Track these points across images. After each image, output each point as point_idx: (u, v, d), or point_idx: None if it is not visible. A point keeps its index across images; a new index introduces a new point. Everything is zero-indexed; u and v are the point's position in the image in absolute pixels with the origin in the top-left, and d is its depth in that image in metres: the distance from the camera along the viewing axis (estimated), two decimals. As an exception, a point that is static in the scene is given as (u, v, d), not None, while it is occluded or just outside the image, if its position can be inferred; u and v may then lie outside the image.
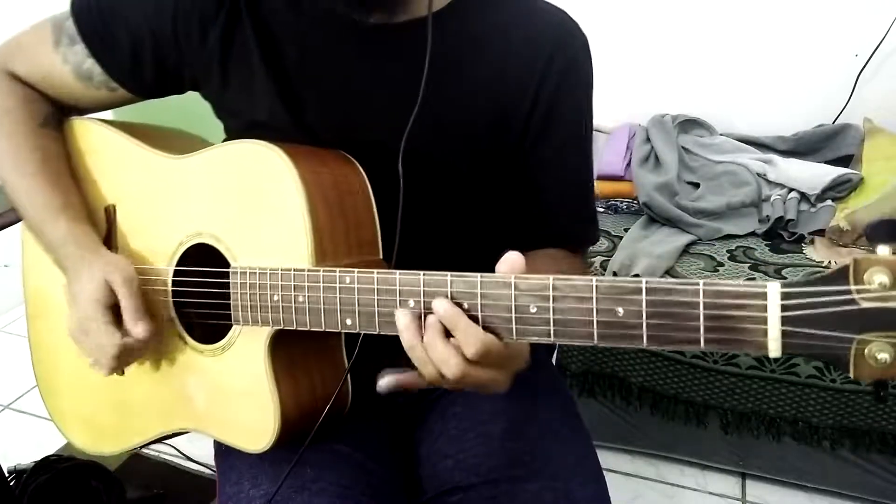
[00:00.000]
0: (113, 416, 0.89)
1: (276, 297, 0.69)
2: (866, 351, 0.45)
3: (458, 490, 0.78)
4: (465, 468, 0.79)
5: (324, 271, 0.66)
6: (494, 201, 0.87)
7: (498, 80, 0.78)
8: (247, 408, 0.75)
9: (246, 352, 0.74)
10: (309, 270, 0.67)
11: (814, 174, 1.73)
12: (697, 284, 0.50)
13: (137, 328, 0.76)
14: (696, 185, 1.85)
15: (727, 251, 1.64)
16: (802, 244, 1.64)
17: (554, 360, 1.40)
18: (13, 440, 1.86)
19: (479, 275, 0.58)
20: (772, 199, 1.73)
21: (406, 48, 0.76)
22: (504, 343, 0.59)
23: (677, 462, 1.68)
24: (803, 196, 1.71)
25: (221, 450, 0.84)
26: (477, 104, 0.78)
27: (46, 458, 1.40)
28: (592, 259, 1.64)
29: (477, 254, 0.92)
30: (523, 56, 0.78)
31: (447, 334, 0.59)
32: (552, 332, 0.55)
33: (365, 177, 0.76)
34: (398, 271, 0.62)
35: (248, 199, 0.73)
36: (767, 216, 1.70)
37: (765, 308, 0.47)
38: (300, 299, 0.67)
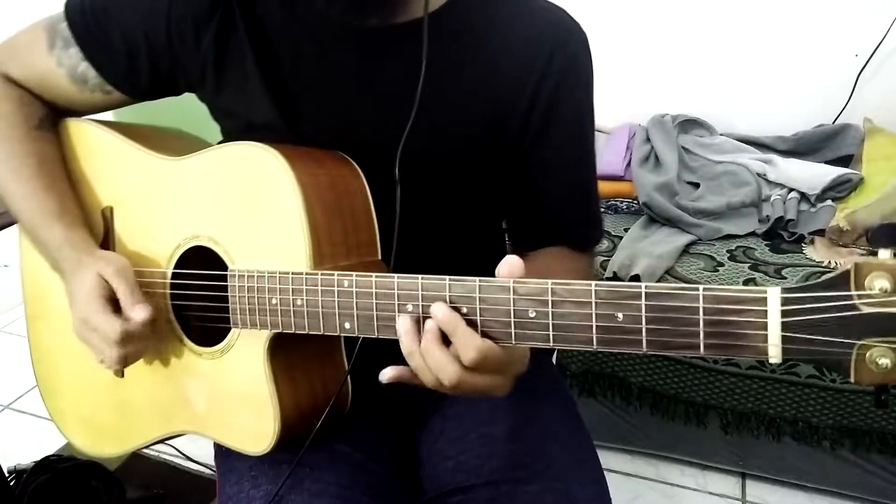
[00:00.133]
0: (113, 418, 0.89)
1: (274, 301, 0.69)
2: (867, 356, 0.45)
3: (458, 491, 0.78)
4: (466, 469, 0.79)
5: (322, 275, 0.65)
6: (495, 202, 0.87)
7: (497, 79, 0.77)
8: (247, 410, 0.74)
9: (245, 354, 0.74)
10: (307, 274, 0.67)
11: (814, 174, 1.73)
12: (697, 290, 0.49)
13: (136, 311, 0.75)
14: (696, 185, 1.85)
15: (727, 251, 1.64)
16: (802, 244, 1.64)
17: (554, 361, 1.40)
18: (13, 440, 1.86)
19: (477, 279, 0.58)
20: (772, 199, 1.72)
21: (403, 50, 0.75)
22: (503, 349, 0.58)
23: (677, 462, 1.68)
24: (803, 196, 1.71)
25: (221, 450, 0.84)
26: (476, 104, 0.78)
27: (46, 458, 1.40)
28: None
29: (477, 255, 0.92)
30: (522, 55, 0.77)
31: (445, 340, 0.59)
32: (551, 337, 0.55)
33: (363, 177, 0.75)
34: (396, 275, 0.61)
35: (246, 202, 0.73)
36: (767, 216, 1.70)
37: (765, 314, 0.47)
38: (298, 303, 0.67)
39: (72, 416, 0.94)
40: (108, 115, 0.92)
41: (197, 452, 1.64)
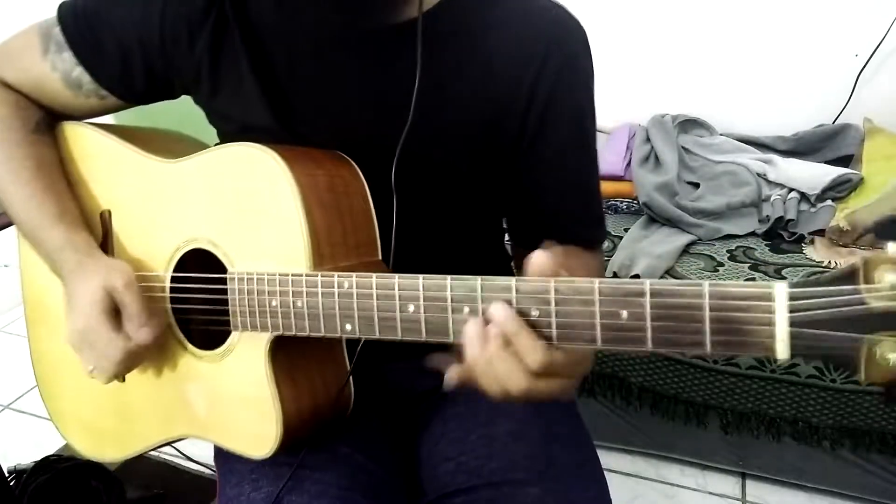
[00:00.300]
0: (113, 423, 0.89)
1: (274, 303, 0.68)
2: (877, 352, 0.44)
3: (459, 492, 0.78)
4: (467, 470, 0.79)
5: (321, 276, 0.65)
6: (495, 202, 0.87)
7: (494, 79, 0.76)
8: (248, 414, 0.74)
9: (246, 357, 0.73)
10: (307, 275, 0.66)
11: (814, 174, 1.73)
12: (702, 286, 0.49)
13: (141, 333, 0.74)
14: (696, 185, 1.85)
15: (727, 251, 1.64)
16: (802, 244, 1.64)
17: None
18: (13, 440, 1.85)
19: (478, 278, 0.57)
20: (772, 199, 1.72)
21: (400, 51, 0.74)
22: (563, 350, 0.55)
23: (677, 462, 1.68)
24: (803, 196, 1.71)
25: (222, 452, 0.84)
26: (474, 104, 0.77)
27: (46, 458, 1.39)
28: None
29: (477, 255, 0.92)
30: (518, 54, 0.76)
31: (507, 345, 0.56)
32: (555, 335, 0.54)
33: (362, 178, 0.75)
34: (397, 275, 0.61)
35: (244, 203, 0.72)
36: (767, 216, 1.70)
37: (772, 309, 0.46)
38: (298, 304, 0.67)
39: (72, 419, 0.94)
40: (107, 118, 0.91)
41: (197, 453, 1.63)
